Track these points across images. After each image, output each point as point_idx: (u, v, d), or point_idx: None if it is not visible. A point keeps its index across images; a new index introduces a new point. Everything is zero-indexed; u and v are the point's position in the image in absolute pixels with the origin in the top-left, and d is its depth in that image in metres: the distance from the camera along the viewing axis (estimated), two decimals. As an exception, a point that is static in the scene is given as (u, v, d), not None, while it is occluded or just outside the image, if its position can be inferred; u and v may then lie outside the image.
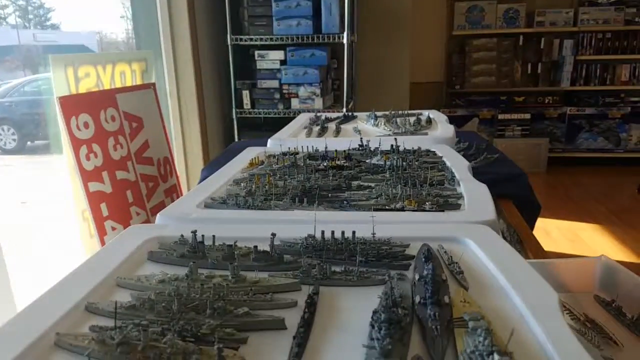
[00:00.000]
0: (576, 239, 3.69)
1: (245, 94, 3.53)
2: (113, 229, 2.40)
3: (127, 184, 2.66)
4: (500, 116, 5.24)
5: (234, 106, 3.57)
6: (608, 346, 1.17)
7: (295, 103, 3.53)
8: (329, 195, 1.09)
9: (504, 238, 1.74)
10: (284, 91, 3.52)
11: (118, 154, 2.65)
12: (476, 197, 1.05)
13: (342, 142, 1.40)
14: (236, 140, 3.61)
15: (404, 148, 1.36)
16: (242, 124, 3.66)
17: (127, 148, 2.71)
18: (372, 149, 1.37)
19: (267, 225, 0.85)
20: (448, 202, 1.02)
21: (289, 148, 1.42)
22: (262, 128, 3.80)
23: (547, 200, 4.36)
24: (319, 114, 1.84)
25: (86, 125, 2.44)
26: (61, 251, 2.67)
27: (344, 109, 3.48)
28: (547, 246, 3.58)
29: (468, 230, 0.87)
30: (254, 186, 1.10)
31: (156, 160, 2.96)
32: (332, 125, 1.71)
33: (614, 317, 1.29)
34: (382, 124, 1.62)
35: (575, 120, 5.21)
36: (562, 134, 5.27)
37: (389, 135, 1.43)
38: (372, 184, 1.15)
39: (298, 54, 3.47)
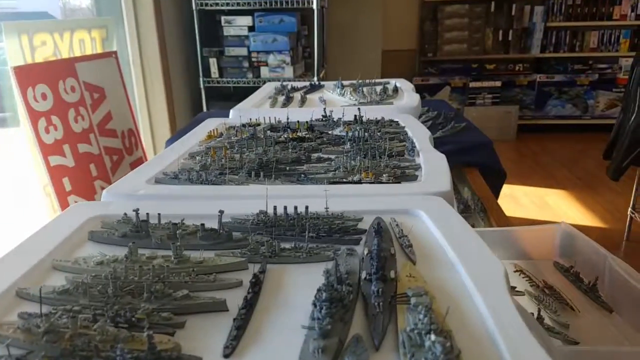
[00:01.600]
0: (544, 205, 3.77)
1: (213, 62, 3.44)
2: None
3: (90, 157, 2.59)
4: (472, 84, 5.24)
5: (201, 75, 3.48)
6: (565, 312, 1.20)
7: (265, 72, 3.46)
8: (287, 168, 1.06)
9: (469, 206, 1.77)
10: (253, 59, 3.44)
11: (79, 126, 2.57)
12: (434, 168, 1.04)
13: (305, 112, 1.37)
14: (204, 110, 3.54)
15: (367, 118, 1.33)
16: (211, 93, 3.58)
17: (89, 120, 2.63)
18: (335, 119, 1.34)
19: (219, 202, 0.82)
20: (405, 174, 1.01)
21: (251, 119, 1.39)
22: (231, 98, 3.72)
23: (516, 167, 4.42)
24: (284, 84, 1.80)
25: (44, 96, 2.35)
26: (24, 228, 2.61)
27: (315, 78, 3.43)
28: (515, 212, 3.66)
29: (421, 202, 0.86)
30: (209, 160, 1.07)
31: (120, 132, 2.88)
32: (298, 95, 1.68)
33: (571, 283, 1.32)
34: (348, 93, 1.59)
35: (545, 88, 5.26)
36: (532, 101, 5.32)
37: (354, 105, 1.40)
38: (332, 156, 1.13)
39: (267, 20, 3.38)
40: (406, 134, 1.30)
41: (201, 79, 3.49)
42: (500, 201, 1.83)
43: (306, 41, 3.83)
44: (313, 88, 1.74)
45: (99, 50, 2.74)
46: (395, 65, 4.97)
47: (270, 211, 0.80)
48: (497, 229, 1.49)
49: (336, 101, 1.57)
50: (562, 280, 1.33)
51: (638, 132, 2.69)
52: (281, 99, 1.60)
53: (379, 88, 1.67)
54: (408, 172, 1.02)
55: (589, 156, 4.75)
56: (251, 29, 3.40)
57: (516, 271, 1.32)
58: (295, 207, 0.80)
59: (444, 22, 5.18)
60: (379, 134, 1.24)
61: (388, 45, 4.83)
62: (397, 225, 0.81)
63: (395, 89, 1.69)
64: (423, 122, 2.41)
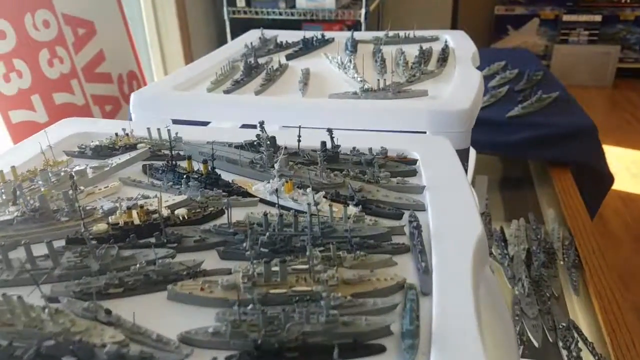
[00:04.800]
0: (641, 175, 2.99)
1: (240, -13, 2.82)
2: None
3: (72, 109, 2.11)
4: (566, 17, 4.30)
5: (225, 4, 2.87)
6: None
7: (301, 1, 2.81)
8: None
9: (553, 254, 1.08)
10: (288, -17, 2.80)
11: (56, 70, 2.07)
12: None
13: (238, 132, 0.73)
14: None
15: (356, 150, 0.66)
16: (237, 26, 2.97)
17: (70, 63, 2.13)
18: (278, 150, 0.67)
19: None
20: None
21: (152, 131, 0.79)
22: (266, 31, 3.11)
23: (608, 122, 3.59)
24: (268, 36, 1.19)
25: (1, 34, 1.85)
26: None
27: (363, 13, 2.75)
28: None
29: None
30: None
31: (117, 76, 2.37)
32: (275, 60, 0.99)
33: None
34: (352, 68, 0.87)
35: (659, 25, 4.24)
36: (637, 41, 4.32)
37: (354, 96, 0.74)
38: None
39: None
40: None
41: (225, 9, 2.88)
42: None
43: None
44: (307, 47, 1.06)
45: (87, -29, 2.18)
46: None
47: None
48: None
49: (328, 82, 0.87)
50: None
51: None
52: (237, 74, 0.88)
53: (414, 52, 0.98)
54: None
55: None
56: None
57: None
58: None
59: (538, -63, 4.18)
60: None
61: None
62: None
63: (444, 55, 0.97)
64: (497, 86, 1.73)
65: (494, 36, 4.35)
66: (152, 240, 0.40)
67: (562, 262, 0.99)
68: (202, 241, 0.40)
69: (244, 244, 0.37)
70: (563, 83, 1.76)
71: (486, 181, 1.34)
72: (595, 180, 1.40)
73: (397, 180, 0.47)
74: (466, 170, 0.70)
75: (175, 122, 0.76)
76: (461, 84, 0.76)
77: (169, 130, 0.56)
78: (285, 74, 0.90)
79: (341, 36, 1.12)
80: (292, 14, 2.86)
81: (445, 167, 0.51)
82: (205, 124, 0.82)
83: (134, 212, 0.41)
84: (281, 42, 1.09)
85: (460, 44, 1.03)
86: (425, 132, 0.67)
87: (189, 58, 2.81)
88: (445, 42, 1.02)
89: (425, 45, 1.01)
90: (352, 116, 0.69)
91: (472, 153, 0.98)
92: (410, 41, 1.09)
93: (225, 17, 2.92)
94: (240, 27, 2.95)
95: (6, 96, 1.83)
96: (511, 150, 1.41)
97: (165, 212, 0.43)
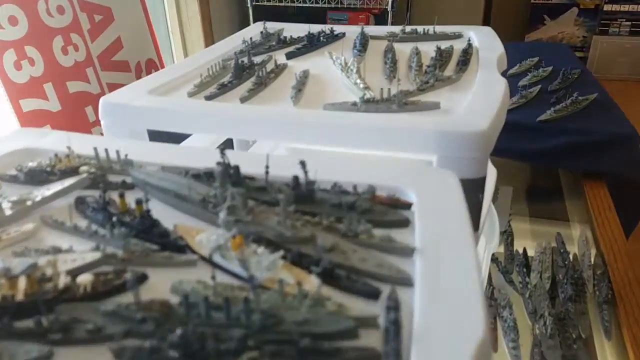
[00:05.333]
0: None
1: (264, -29, 2.72)
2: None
3: (87, 97, 2.05)
4: (606, 7, 4.04)
5: (248, -11, 2.78)
6: None
7: (332, -14, 2.70)
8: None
9: (581, 292, 0.93)
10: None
11: (70, 58, 2.01)
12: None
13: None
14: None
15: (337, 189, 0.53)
16: (260, 14, 2.87)
17: (86, 50, 2.06)
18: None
19: None
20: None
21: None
22: (290, 20, 3.00)
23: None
24: (272, 30, 1.05)
25: (13, 20, 1.80)
26: None
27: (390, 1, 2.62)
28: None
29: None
30: None
31: (134, 64, 2.30)
32: (271, 59, 0.85)
33: None
34: (354, 72, 0.75)
35: None
36: (686, 33, 4.04)
37: (350, 108, 0.63)
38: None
39: None
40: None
41: (248, -5, 2.79)
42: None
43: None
44: (311, 44, 0.94)
45: (103, -46, 2.11)
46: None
47: None
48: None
49: (329, 87, 0.75)
50: None
51: None
52: (227, 76, 0.74)
53: (431, 51, 0.84)
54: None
55: None
56: None
57: None
58: None
59: None
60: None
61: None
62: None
63: (465, 57, 0.82)
64: (528, 86, 1.59)
65: (530, 26, 4.12)
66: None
67: (592, 296, 0.87)
68: (98, 332, 0.29)
69: (149, 342, 0.27)
70: (601, 76, 1.60)
71: (511, 193, 1.22)
72: (634, 195, 1.26)
73: (381, 236, 0.37)
74: (481, 203, 0.59)
75: (151, 134, 0.67)
76: (481, 96, 0.65)
77: (117, 152, 0.46)
78: (281, 77, 0.79)
79: (355, 31, 1.02)
80: (317, 1, 2.75)
81: (447, 219, 0.39)
82: (186, 136, 0.73)
83: (22, 281, 0.31)
84: (284, 37, 0.99)
85: (486, 43, 0.91)
86: (433, 156, 0.57)
87: (210, 45, 2.72)
88: (469, 40, 0.90)
89: (445, 44, 0.90)
90: (344, 134, 0.59)
91: (493, 172, 0.87)
92: (430, 38, 0.97)
93: (249, 3, 2.82)
94: (264, 14, 2.84)
95: (17, 84, 1.78)
96: (541, 159, 1.29)
97: (63, 281, 0.31)
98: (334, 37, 0.98)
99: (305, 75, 0.77)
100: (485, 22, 3.49)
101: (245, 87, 0.72)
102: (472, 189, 0.57)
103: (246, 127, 0.62)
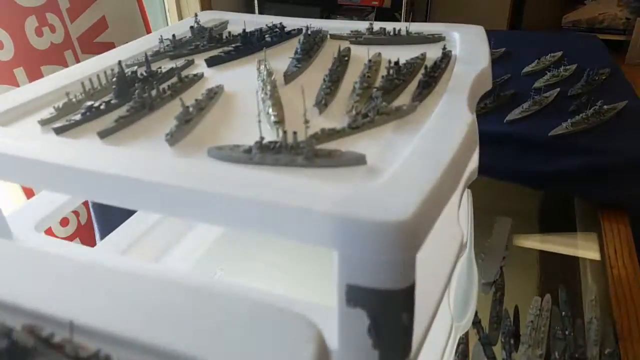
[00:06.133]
0: None
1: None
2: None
3: (60, 83, 1.89)
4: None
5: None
6: None
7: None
8: None
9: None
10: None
11: (45, 40, 1.85)
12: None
13: None
14: (256, 11, 2.63)
15: None
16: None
17: (64, 31, 1.90)
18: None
19: None
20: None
21: None
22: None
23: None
24: (213, 22, 0.84)
25: (-23, -1, 1.64)
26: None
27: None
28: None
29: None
30: None
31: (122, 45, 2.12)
32: (187, 70, 0.65)
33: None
34: (269, 98, 0.54)
35: None
36: None
37: (241, 155, 0.43)
38: None
39: None
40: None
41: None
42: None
43: None
44: (247, 46, 0.72)
45: None
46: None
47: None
48: None
49: (238, 115, 0.54)
50: None
51: None
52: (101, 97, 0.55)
53: (404, 59, 0.62)
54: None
55: None
56: None
57: None
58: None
59: None
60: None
61: None
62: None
63: (430, 77, 0.58)
64: (544, 88, 1.32)
65: (568, 5, 3.74)
66: None
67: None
68: None
69: None
70: None
71: (509, 226, 1.00)
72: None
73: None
74: (408, 327, 0.39)
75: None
76: (428, 147, 0.44)
77: None
78: (186, 94, 0.60)
79: (331, 27, 0.81)
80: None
81: None
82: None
83: None
84: (219, 34, 0.78)
85: (469, 51, 0.68)
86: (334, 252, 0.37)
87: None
88: (444, 48, 0.68)
89: (417, 51, 0.68)
90: (205, 203, 0.39)
91: (467, 198, 0.67)
92: (402, 41, 0.76)
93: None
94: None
95: (-19, 69, 1.63)
96: (550, 183, 1.06)
97: None
98: (282, 36, 0.77)
99: (211, 94, 0.57)
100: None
101: (120, 113, 0.53)
102: (390, 306, 0.37)
103: (69, 184, 0.43)
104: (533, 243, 1.05)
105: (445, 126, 0.48)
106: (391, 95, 0.56)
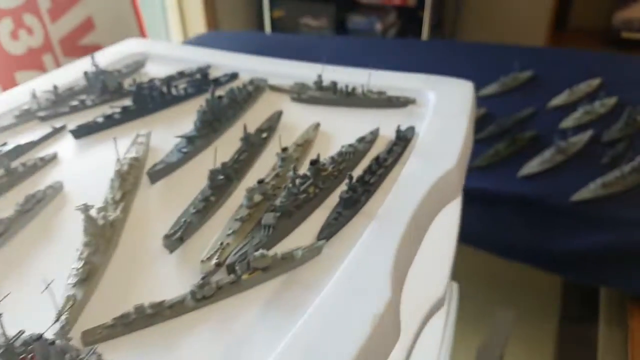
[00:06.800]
0: None
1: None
2: None
3: (40, 90, 1.75)
4: None
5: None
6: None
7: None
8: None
9: None
10: None
11: (22, 44, 1.74)
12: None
13: None
14: (265, 11, 2.43)
15: None
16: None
17: (44, 33, 1.78)
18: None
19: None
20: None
21: None
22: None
23: None
24: (125, 70, 0.65)
25: (-55, 1, 1.54)
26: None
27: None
28: None
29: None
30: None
31: (111, 48, 1.98)
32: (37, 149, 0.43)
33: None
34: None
35: None
36: None
37: None
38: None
39: None
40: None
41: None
42: None
43: None
44: (141, 105, 0.51)
45: None
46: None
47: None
48: None
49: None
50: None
51: None
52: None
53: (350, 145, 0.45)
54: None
55: None
56: None
57: None
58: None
59: None
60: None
61: None
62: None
63: (356, 193, 0.39)
64: (573, 130, 1.05)
65: (618, 2, 3.33)
66: None
67: None
68: None
69: None
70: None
71: (510, 321, 0.78)
72: None
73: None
74: None
75: None
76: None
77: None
78: (16, 190, 0.42)
79: (278, 72, 0.61)
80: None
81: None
82: None
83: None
84: (119, 84, 0.59)
85: (440, 128, 0.47)
86: None
87: (212, 24, 2.38)
88: (398, 132, 0.46)
89: (367, 122, 0.48)
90: None
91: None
92: (356, 102, 0.55)
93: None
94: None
95: (-53, 77, 1.51)
96: (569, 266, 0.84)
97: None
98: (200, 88, 0.57)
99: (39, 198, 0.39)
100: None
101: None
102: None
103: None
104: (543, 335, 0.83)
105: (348, 310, 0.28)
106: (290, 221, 0.36)
